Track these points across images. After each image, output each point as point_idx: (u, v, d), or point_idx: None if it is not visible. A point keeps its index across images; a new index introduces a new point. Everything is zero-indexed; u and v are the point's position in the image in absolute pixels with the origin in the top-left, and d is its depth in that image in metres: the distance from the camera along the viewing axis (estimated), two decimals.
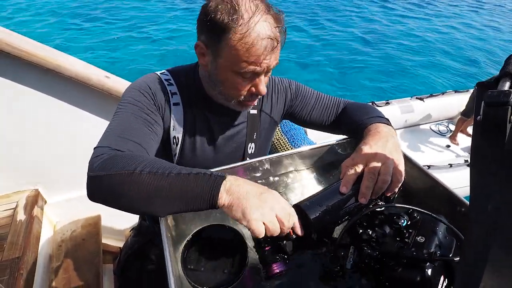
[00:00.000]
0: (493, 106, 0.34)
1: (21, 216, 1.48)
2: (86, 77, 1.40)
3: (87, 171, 0.59)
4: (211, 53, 0.71)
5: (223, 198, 0.54)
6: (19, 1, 8.74)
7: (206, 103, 0.82)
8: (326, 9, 9.72)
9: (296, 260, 0.60)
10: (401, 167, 0.65)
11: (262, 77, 0.72)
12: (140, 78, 0.80)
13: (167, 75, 0.81)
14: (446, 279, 0.50)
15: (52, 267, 1.50)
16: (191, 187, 0.54)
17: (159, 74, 0.81)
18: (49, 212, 1.70)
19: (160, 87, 0.78)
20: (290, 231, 0.57)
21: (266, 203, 0.54)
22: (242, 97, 0.75)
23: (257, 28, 0.64)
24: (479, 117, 0.37)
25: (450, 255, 0.50)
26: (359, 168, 0.64)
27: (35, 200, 1.58)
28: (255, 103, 0.80)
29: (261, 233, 0.52)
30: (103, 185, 0.57)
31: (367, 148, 0.68)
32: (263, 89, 0.73)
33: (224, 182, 0.55)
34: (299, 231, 0.57)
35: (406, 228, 0.55)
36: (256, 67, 0.68)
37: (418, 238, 0.52)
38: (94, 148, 0.63)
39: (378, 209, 0.58)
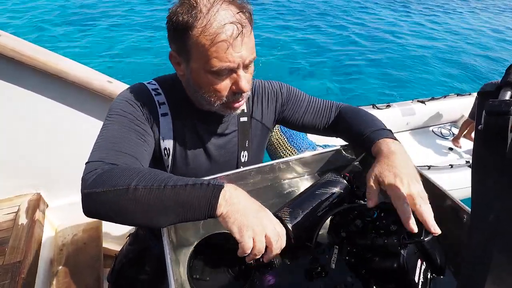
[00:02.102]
0: (494, 115, 0.35)
1: (22, 220, 1.48)
2: (88, 81, 1.41)
3: (80, 188, 0.57)
4: (183, 60, 0.69)
5: (222, 207, 0.53)
6: (22, 6, 8.80)
7: (194, 112, 0.79)
8: (326, 12, 9.77)
9: (282, 268, 0.60)
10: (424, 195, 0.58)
11: (241, 72, 0.67)
12: (126, 89, 0.78)
13: (154, 84, 0.79)
14: (424, 263, 0.52)
15: (53, 271, 1.50)
16: (189, 198, 0.53)
17: (146, 84, 0.79)
18: (51, 216, 1.70)
19: (147, 98, 0.76)
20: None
21: (260, 222, 0.54)
22: (224, 98, 0.70)
23: (218, 18, 0.62)
24: (480, 126, 0.37)
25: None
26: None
27: (37, 204, 1.58)
28: (241, 104, 0.75)
29: (248, 250, 0.52)
30: (98, 202, 0.55)
31: (386, 171, 0.62)
32: (244, 85, 0.68)
33: (223, 191, 0.54)
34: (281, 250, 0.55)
35: (379, 220, 0.56)
36: (228, 63, 0.64)
37: (391, 227, 0.53)
38: (86, 164, 0.61)
39: (348, 207, 0.60)
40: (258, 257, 0.53)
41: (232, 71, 0.67)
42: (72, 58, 1.45)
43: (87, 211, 0.57)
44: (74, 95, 1.45)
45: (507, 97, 0.37)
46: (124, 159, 0.63)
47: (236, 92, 0.70)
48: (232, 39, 0.62)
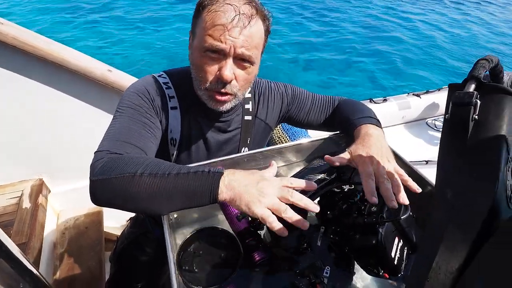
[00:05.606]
0: (458, 105, 0.39)
1: (26, 204, 1.53)
2: (89, 70, 1.44)
3: (89, 175, 0.59)
4: (192, 39, 0.74)
5: (224, 193, 0.56)
6: None
7: (201, 107, 0.81)
8: (325, 5, 9.67)
9: (270, 244, 0.64)
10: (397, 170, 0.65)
11: (229, 60, 0.69)
12: (138, 81, 0.80)
13: (165, 78, 0.82)
14: (401, 241, 0.57)
15: (56, 253, 1.56)
16: (192, 186, 0.56)
17: (156, 77, 0.81)
18: (53, 201, 1.75)
19: (159, 90, 0.78)
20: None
21: (264, 191, 0.55)
22: (208, 83, 0.72)
23: (227, 1, 0.67)
24: (447, 115, 0.41)
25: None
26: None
27: (39, 189, 1.63)
28: (226, 100, 0.75)
29: (268, 217, 0.53)
30: (105, 189, 0.58)
31: (360, 150, 0.69)
32: (226, 73, 0.69)
33: (222, 178, 0.57)
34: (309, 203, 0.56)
35: (361, 202, 0.61)
36: (218, 43, 0.67)
37: (372, 209, 0.58)
38: (94, 153, 0.64)
39: (336, 190, 0.65)
40: (287, 216, 0.54)
41: (222, 55, 0.69)
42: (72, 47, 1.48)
43: (94, 198, 0.59)
44: (76, 83, 1.49)
45: (471, 89, 0.41)
46: (130, 149, 0.65)
47: (219, 79, 0.71)
48: (230, 24, 0.66)
